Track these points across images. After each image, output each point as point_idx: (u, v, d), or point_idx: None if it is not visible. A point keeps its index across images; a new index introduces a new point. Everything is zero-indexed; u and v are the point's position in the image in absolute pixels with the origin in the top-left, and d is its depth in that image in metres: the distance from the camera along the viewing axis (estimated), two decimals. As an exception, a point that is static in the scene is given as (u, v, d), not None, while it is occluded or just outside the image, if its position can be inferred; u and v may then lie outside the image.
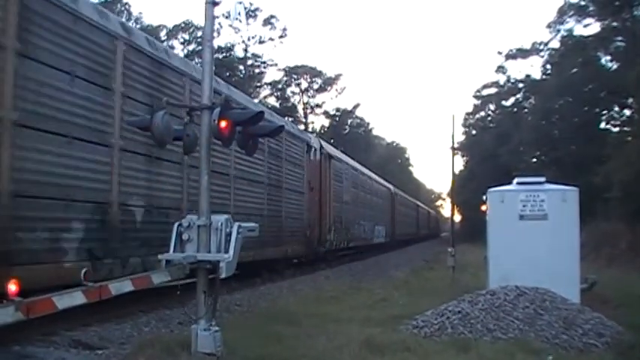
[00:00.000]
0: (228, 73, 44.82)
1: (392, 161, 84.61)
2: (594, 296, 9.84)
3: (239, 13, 48.93)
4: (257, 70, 56.43)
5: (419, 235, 57.61)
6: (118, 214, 8.18)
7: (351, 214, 24.81)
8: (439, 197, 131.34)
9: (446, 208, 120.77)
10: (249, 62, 54.62)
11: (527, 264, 8.67)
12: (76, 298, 4.99)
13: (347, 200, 23.96)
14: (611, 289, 11.17)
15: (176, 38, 51.04)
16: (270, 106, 45.29)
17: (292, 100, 62.61)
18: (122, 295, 5.42)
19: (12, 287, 4.72)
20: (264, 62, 56.38)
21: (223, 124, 5.88)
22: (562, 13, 36.27)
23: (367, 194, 29.36)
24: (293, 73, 61.37)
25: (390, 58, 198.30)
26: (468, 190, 46.76)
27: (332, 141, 44.83)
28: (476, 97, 56.14)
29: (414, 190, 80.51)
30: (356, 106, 69.62)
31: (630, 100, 29.45)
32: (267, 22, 54.34)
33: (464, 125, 57.81)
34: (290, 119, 36.20)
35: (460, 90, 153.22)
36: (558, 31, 37.60)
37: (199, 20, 44.93)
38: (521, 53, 44.81)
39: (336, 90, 64.68)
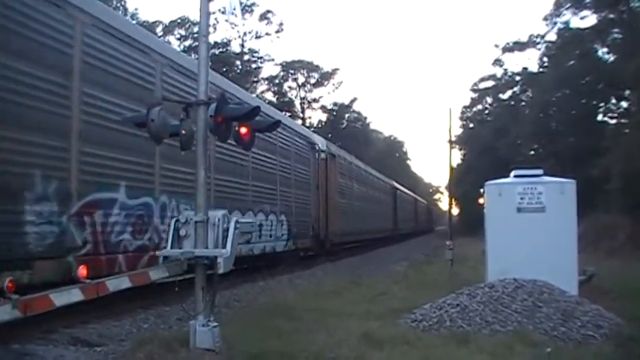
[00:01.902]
0: (225, 69, 44.63)
1: (390, 155, 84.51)
2: (593, 288, 9.84)
3: (234, 8, 48.92)
4: (254, 65, 56.24)
5: (398, 231, 41.37)
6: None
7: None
8: (437, 191, 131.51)
9: (444, 202, 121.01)
10: (246, 57, 54.44)
11: (526, 256, 8.65)
12: (73, 295, 4.99)
13: None
14: (610, 280, 11.16)
15: (172, 34, 50.84)
16: (267, 101, 45.16)
17: (289, 95, 62.53)
18: (121, 292, 5.42)
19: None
20: (261, 57, 56.22)
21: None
22: (558, 5, 36.21)
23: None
24: (290, 67, 61.18)
25: (387, 51, 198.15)
26: (466, 183, 46.68)
27: (329, 136, 44.59)
28: (473, 90, 56.21)
29: (412, 184, 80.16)
30: (353, 101, 69.54)
31: (627, 92, 29.49)
32: (263, 17, 54.17)
33: (461, 118, 57.88)
34: (289, 115, 36.10)
35: (457, 83, 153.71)
36: (555, 23, 37.60)
37: (196, 16, 44.80)
38: (518, 46, 44.75)
39: (333, 84, 64.59)
